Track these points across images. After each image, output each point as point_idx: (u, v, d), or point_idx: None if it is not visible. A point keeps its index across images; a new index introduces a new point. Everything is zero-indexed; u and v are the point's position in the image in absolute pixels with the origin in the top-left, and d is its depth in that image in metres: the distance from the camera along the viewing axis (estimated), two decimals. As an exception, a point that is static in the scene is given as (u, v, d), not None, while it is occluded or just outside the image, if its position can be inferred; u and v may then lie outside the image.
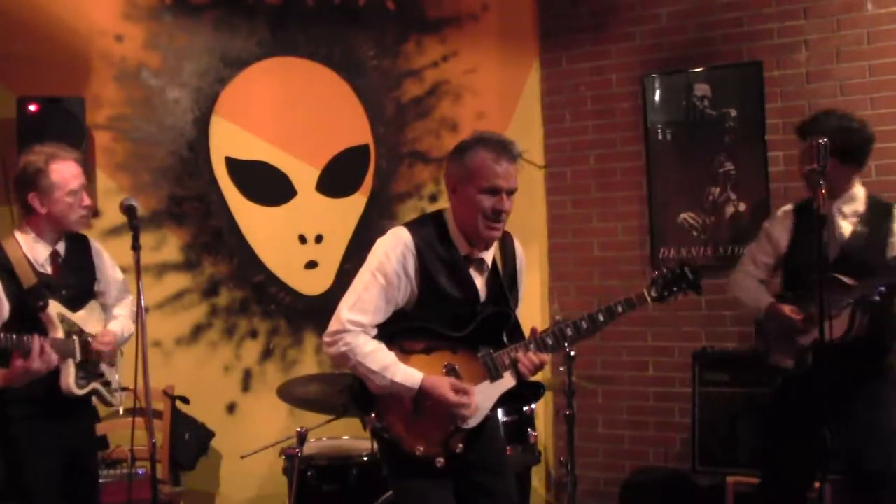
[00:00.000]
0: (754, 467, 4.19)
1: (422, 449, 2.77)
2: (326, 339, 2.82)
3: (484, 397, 2.83)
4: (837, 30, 4.59)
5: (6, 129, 4.14)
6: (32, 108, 4.09)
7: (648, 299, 3.03)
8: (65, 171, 3.21)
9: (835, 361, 3.25)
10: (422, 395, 2.75)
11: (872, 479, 3.37)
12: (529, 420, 4.12)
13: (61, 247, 3.31)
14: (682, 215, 4.92)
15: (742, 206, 4.77)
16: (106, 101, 4.50)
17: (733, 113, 4.82)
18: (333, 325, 2.81)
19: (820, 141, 2.95)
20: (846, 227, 3.48)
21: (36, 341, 3.01)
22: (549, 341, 2.88)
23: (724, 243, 4.81)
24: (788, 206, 3.73)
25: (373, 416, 2.80)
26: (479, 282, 2.89)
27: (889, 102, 4.49)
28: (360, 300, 2.80)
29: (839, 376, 3.28)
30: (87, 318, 3.32)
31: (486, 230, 2.81)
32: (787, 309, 3.48)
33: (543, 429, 5.17)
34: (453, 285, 2.83)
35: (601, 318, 2.94)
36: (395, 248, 2.80)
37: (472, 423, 2.82)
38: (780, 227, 3.65)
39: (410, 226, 2.88)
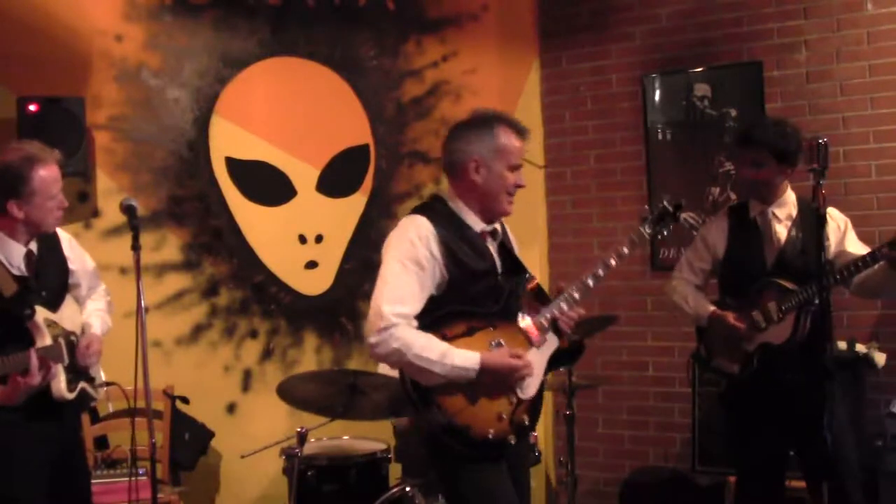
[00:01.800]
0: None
1: (492, 431, 2.71)
2: (373, 339, 2.65)
3: (536, 364, 2.83)
4: (837, 30, 4.59)
5: (6, 129, 4.13)
6: (32, 108, 4.08)
7: (646, 235, 3.15)
8: (47, 177, 3.04)
9: (783, 364, 3.37)
10: (482, 374, 2.67)
11: (833, 473, 3.38)
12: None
13: (34, 245, 3.14)
14: (683, 215, 4.91)
15: (742, 206, 4.77)
16: (106, 101, 4.49)
17: (733, 113, 4.82)
18: (377, 323, 2.65)
19: (820, 140, 2.94)
20: (781, 231, 3.51)
21: (33, 358, 2.91)
22: (577, 295, 2.92)
23: (724, 243, 4.81)
24: (722, 211, 3.76)
25: (435, 410, 2.67)
26: (493, 251, 2.91)
27: (889, 102, 4.49)
28: (396, 291, 2.68)
29: (786, 374, 3.36)
30: (67, 316, 3.21)
31: (507, 205, 2.88)
32: (730, 317, 3.50)
33: (543, 429, 5.17)
34: (477, 259, 2.80)
35: (612, 261, 3.04)
36: (417, 233, 2.75)
37: (530, 392, 2.81)
38: (715, 233, 3.66)
39: (422, 211, 2.85)
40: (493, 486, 2.75)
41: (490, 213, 2.89)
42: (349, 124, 4.98)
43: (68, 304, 3.26)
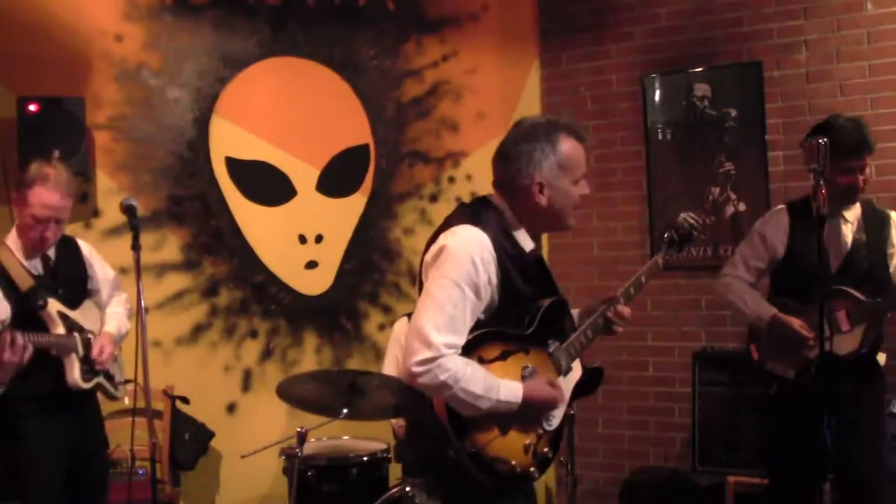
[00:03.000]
0: (754, 467, 4.20)
1: (518, 463, 2.54)
2: (417, 368, 2.40)
3: (565, 394, 2.69)
4: (837, 30, 4.59)
5: (6, 129, 4.14)
6: (32, 108, 4.09)
7: (661, 266, 2.95)
8: (37, 198, 3.21)
9: (839, 371, 3.27)
10: (522, 405, 2.50)
11: (865, 479, 3.37)
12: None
13: (51, 251, 3.37)
14: (682, 215, 4.91)
15: (742, 206, 4.77)
16: (106, 101, 4.49)
17: (733, 113, 4.82)
18: (423, 352, 2.40)
19: (820, 141, 2.94)
20: (847, 234, 3.45)
21: (7, 332, 3.00)
22: (633, 291, 2.83)
23: (724, 243, 4.80)
24: (781, 206, 3.67)
25: (467, 442, 2.46)
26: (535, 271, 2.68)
27: (889, 102, 4.49)
28: (451, 320, 2.43)
29: (842, 385, 3.28)
30: (85, 316, 3.38)
31: (573, 220, 2.63)
32: (795, 323, 3.42)
33: (543, 429, 5.17)
34: (525, 284, 2.58)
35: (632, 290, 2.86)
36: (481, 254, 2.47)
37: (555, 423, 2.64)
38: (774, 230, 3.57)
39: (481, 225, 2.53)
40: None
41: (549, 230, 2.69)
42: (349, 124, 4.98)
43: (89, 308, 3.45)
